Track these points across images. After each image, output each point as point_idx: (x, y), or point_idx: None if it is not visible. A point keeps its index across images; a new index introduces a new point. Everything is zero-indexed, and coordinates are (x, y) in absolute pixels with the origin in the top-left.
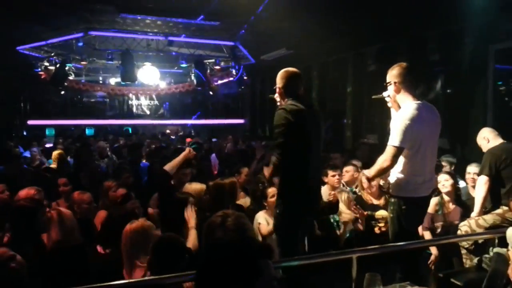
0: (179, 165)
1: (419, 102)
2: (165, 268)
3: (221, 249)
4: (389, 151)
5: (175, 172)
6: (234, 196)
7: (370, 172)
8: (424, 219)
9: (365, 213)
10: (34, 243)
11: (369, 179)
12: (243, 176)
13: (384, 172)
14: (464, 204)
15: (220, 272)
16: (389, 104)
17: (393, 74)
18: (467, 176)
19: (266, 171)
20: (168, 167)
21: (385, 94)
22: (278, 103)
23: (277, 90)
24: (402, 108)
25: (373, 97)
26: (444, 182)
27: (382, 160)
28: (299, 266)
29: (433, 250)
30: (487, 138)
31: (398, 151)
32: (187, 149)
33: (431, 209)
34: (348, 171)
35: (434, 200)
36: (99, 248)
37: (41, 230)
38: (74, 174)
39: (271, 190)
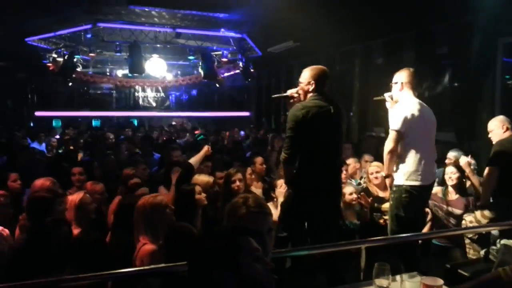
0: (201, 160)
1: (418, 100)
2: (177, 256)
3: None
4: (389, 136)
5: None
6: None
7: (384, 170)
8: (424, 207)
9: (370, 199)
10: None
11: (387, 176)
12: (258, 166)
13: (389, 157)
14: (470, 198)
15: (204, 256)
16: (388, 105)
17: (400, 75)
18: (447, 161)
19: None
20: (193, 160)
21: (386, 95)
22: (295, 99)
23: (302, 85)
24: (403, 102)
25: (375, 98)
26: (451, 174)
27: (386, 146)
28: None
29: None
30: (506, 127)
31: (398, 134)
32: (206, 147)
33: (434, 195)
34: (350, 163)
35: (437, 189)
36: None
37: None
38: (87, 164)
39: (279, 182)
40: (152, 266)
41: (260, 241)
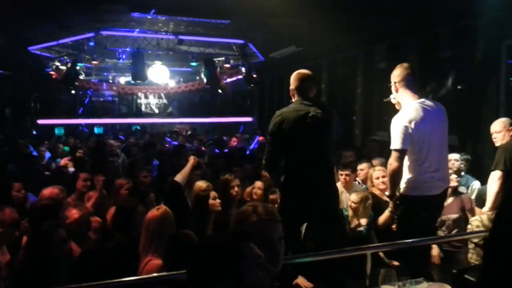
0: (188, 174)
1: (419, 101)
2: (177, 264)
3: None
4: (392, 156)
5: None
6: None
7: (388, 189)
8: (436, 218)
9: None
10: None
11: (391, 196)
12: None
13: (395, 178)
14: (464, 197)
15: (205, 265)
16: (397, 106)
17: (393, 75)
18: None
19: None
20: (179, 177)
21: (392, 96)
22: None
23: (290, 91)
24: (401, 110)
25: (384, 100)
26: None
27: (388, 166)
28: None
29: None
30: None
31: (401, 153)
32: (191, 158)
33: None
34: (363, 169)
35: None
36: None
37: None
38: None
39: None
40: (156, 275)
41: (272, 249)
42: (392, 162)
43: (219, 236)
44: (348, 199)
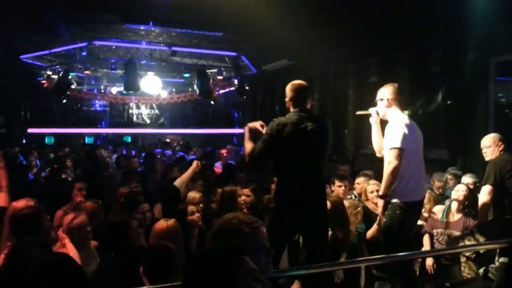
0: (188, 179)
1: (406, 116)
2: (157, 277)
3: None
4: (390, 155)
5: (187, 185)
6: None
7: (381, 189)
8: (416, 222)
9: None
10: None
11: (383, 196)
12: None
13: (393, 177)
14: (471, 220)
15: (200, 277)
16: (371, 120)
17: (387, 92)
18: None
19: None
20: (178, 182)
21: (371, 110)
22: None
23: (286, 102)
24: (395, 119)
25: (358, 112)
26: (460, 192)
27: (386, 165)
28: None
29: (428, 260)
30: (501, 144)
31: (400, 152)
32: (195, 163)
33: (436, 214)
34: (360, 183)
35: (439, 207)
36: None
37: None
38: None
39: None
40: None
41: (266, 252)
42: (392, 160)
43: (213, 249)
44: None
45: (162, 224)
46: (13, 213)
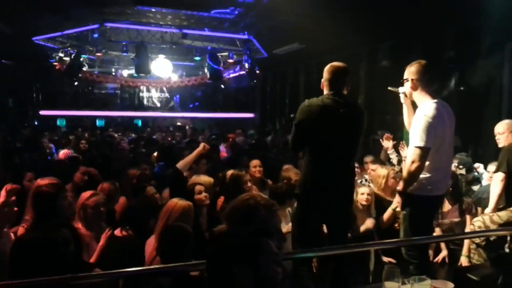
0: (192, 161)
1: (436, 100)
2: (172, 256)
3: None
4: (415, 153)
5: (190, 166)
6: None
7: (400, 185)
8: (435, 215)
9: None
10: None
11: (402, 193)
12: (252, 169)
13: (415, 177)
14: (462, 201)
15: (225, 251)
16: (402, 100)
17: (411, 71)
18: (487, 175)
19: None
20: (181, 164)
21: (401, 89)
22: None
23: (321, 83)
24: (422, 107)
25: (389, 88)
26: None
27: (409, 164)
28: None
29: (443, 250)
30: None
31: (425, 151)
32: (202, 145)
33: None
34: (374, 169)
35: None
36: (117, 231)
37: (62, 215)
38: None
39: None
40: (163, 266)
41: (279, 237)
42: (416, 160)
43: (239, 229)
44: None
45: (177, 203)
46: (35, 189)
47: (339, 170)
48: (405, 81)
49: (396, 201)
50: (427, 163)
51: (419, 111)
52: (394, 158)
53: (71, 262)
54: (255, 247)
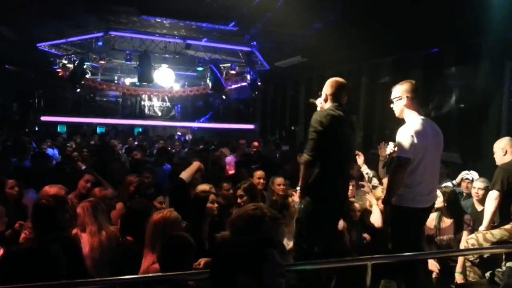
0: (193, 174)
1: (423, 117)
2: (172, 265)
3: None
4: (396, 163)
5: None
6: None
7: (384, 194)
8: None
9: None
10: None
11: (386, 202)
12: (256, 179)
13: (396, 185)
14: (459, 217)
15: (229, 260)
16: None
17: (404, 89)
18: (472, 191)
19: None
20: (184, 175)
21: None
22: (319, 108)
23: (324, 96)
24: (408, 122)
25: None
26: (439, 199)
27: (391, 173)
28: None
29: (434, 267)
30: (505, 150)
31: (405, 161)
32: (198, 164)
33: (429, 223)
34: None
35: (432, 215)
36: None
37: (65, 227)
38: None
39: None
40: (160, 274)
41: (280, 250)
42: (395, 170)
43: (245, 238)
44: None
45: (158, 213)
46: (36, 200)
47: (345, 178)
48: (397, 99)
49: (382, 211)
50: (409, 177)
51: (405, 126)
52: (369, 173)
53: (60, 277)
54: (260, 257)
